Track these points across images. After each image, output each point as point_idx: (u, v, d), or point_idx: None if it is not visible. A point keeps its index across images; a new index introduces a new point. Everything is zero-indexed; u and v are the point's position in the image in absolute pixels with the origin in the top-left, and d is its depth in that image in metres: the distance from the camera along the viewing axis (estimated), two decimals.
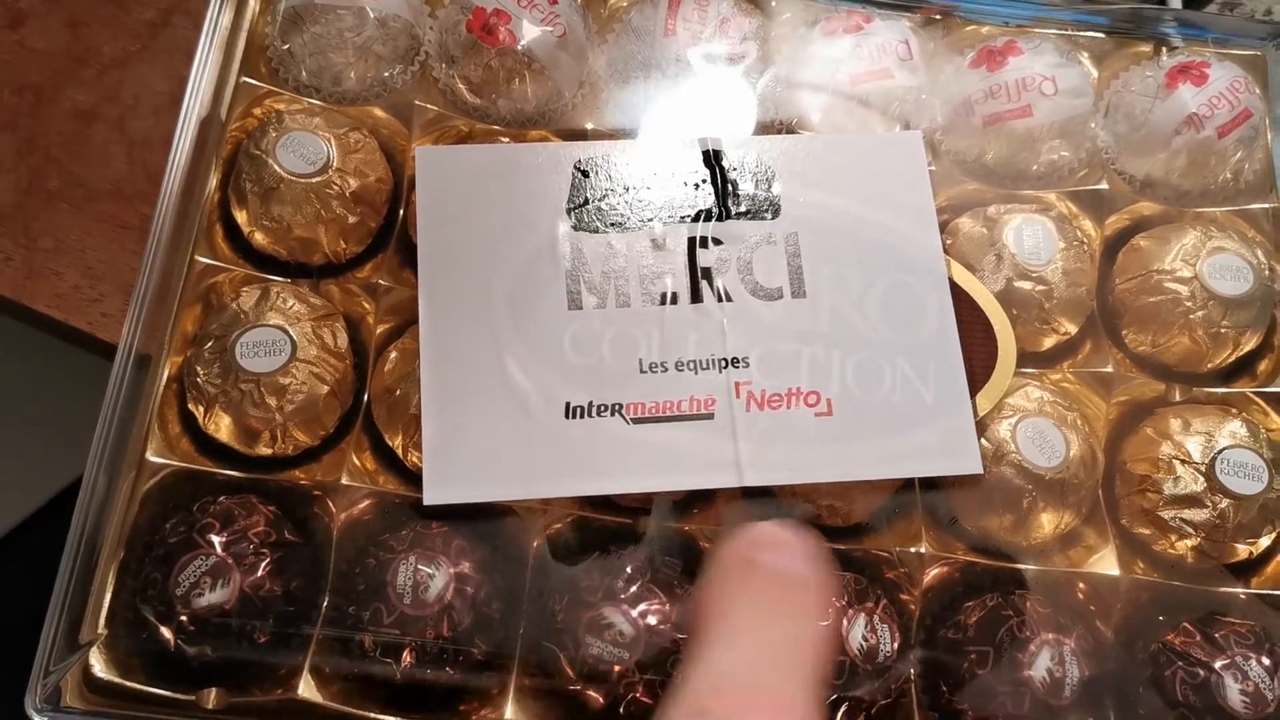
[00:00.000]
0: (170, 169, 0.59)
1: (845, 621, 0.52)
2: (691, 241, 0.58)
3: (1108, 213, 0.63)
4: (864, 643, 0.52)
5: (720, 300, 0.57)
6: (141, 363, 0.56)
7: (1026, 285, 0.59)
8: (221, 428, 0.55)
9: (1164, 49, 0.67)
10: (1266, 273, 0.60)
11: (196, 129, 0.61)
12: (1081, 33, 0.68)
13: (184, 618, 0.51)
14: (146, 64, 0.72)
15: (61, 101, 0.70)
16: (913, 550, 0.56)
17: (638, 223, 0.58)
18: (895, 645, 0.53)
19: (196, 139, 0.60)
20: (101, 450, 0.54)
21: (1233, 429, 0.57)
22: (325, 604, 0.53)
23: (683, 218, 0.58)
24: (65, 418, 0.77)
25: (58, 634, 0.51)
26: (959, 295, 0.58)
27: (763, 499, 0.56)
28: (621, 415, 0.54)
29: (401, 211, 0.61)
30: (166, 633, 0.51)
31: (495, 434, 0.54)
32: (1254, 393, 0.60)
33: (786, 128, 0.63)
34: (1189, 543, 0.56)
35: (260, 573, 0.52)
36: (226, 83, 0.63)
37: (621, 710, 0.52)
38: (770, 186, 0.59)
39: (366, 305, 0.59)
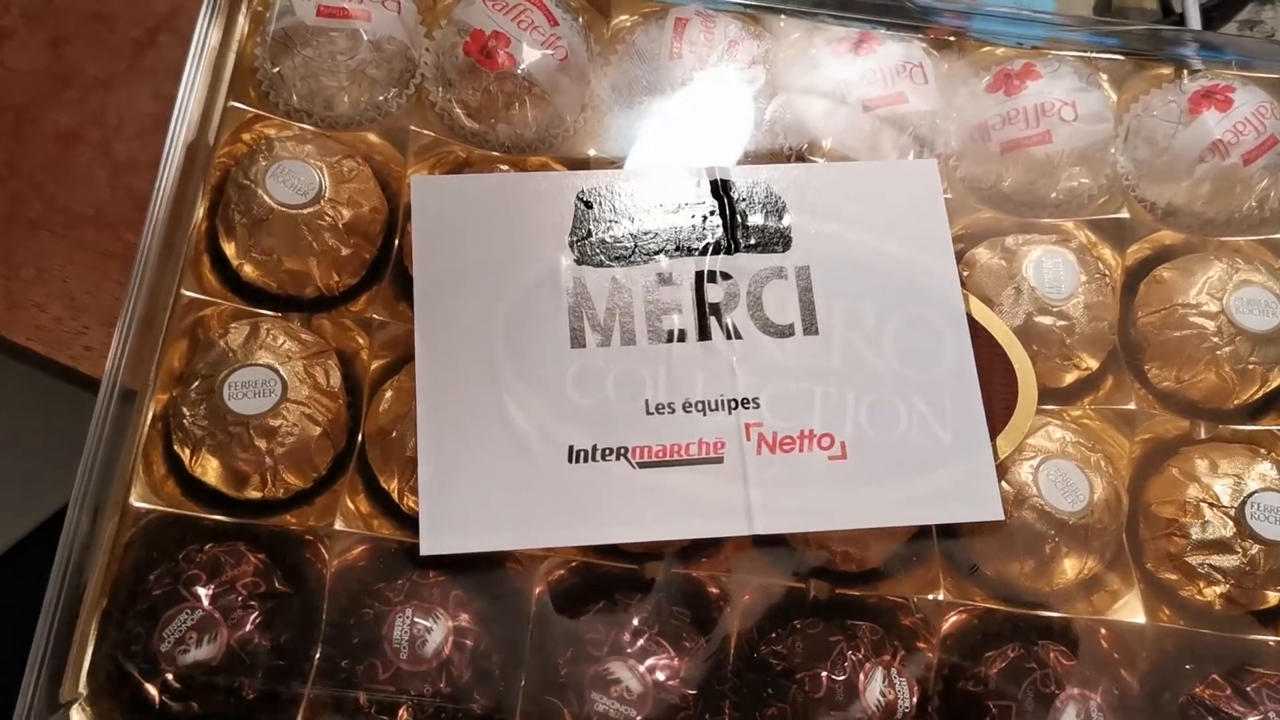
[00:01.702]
0: (156, 196, 0.57)
1: (862, 676, 0.50)
2: (699, 276, 0.55)
3: (1129, 242, 0.61)
4: (882, 698, 0.50)
5: (729, 337, 0.54)
6: (126, 398, 0.54)
7: (1047, 320, 0.56)
8: (209, 471, 0.53)
9: (1185, 72, 0.65)
10: None
11: (183, 154, 0.58)
12: (1099, 55, 0.65)
13: (169, 675, 0.49)
14: (132, 85, 0.69)
15: (43, 123, 0.68)
16: (930, 597, 0.54)
17: (643, 256, 0.56)
18: (914, 700, 0.51)
19: (183, 164, 0.58)
20: (83, 492, 0.52)
21: (1262, 471, 0.55)
22: (317, 657, 0.51)
23: (690, 250, 0.56)
24: (51, 448, 0.75)
25: (37, 690, 0.49)
26: (977, 331, 0.56)
27: (774, 546, 0.53)
28: (627, 459, 0.52)
29: (397, 241, 0.58)
30: (151, 690, 0.49)
31: (495, 479, 0.51)
32: None
33: (797, 155, 0.61)
34: (1217, 589, 0.53)
35: (249, 626, 0.49)
36: (214, 106, 0.60)
37: None
38: (780, 218, 0.57)
39: (361, 340, 0.57)
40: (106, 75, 0.69)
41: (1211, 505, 0.54)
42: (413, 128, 0.60)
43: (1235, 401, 0.58)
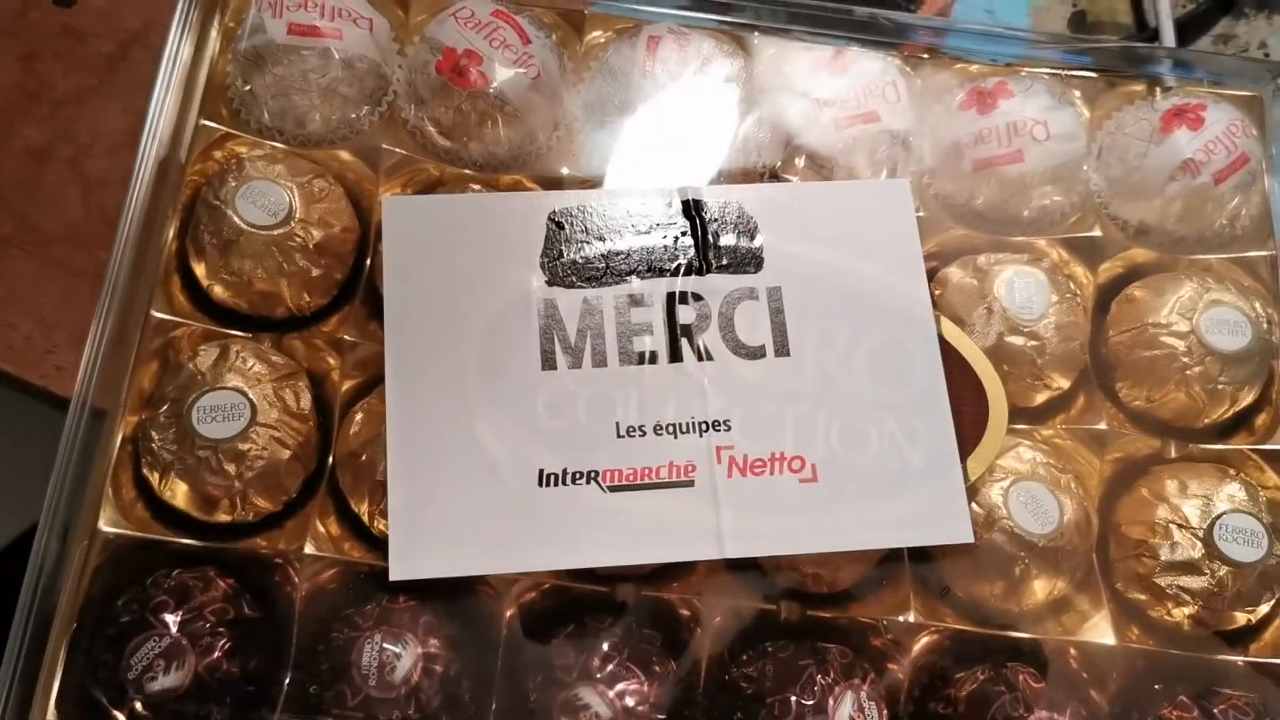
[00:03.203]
0: (126, 214, 0.57)
1: (832, 701, 0.50)
2: (670, 297, 0.55)
3: (1100, 259, 0.61)
4: None
5: (701, 359, 0.54)
6: (96, 419, 0.53)
7: (1018, 341, 0.56)
8: (178, 495, 0.53)
9: (1158, 89, 0.65)
10: (1265, 325, 0.58)
11: (154, 171, 0.58)
12: (1072, 72, 0.65)
13: (137, 703, 0.48)
14: (103, 100, 0.69)
15: (13, 139, 0.67)
16: (901, 619, 0.54)
17: (614, 277, 0.56)
18: None
19: (154, 182, 0.58)
20: (53, 514, 0.52)
21: (1231, 492, 0.55)
22: (287, 682, 0.50)
23: (661, 271, 0.56)
24: (20, 468, 0.74)
25: (5, 718, 0.49)
26: (948, 352, 0.56)
27: (746, 568, 0.54)
28: (597, 483, 0.52)
29: (369, 261, 0.58)
30: (120, 718, 0.49)
31: (465, 503, 0.51)
32: (1251, 450, 0.58)
33: (770, 173, 0.61)
34: (1186, 610, 0.54)
35: (217, 653, 0.49)
36: (186, 123, 0.60)
37: None
38: (752, 238, 0.57)
39: (332, 361, 0.57)
40: (78, 91, 0.69)
41: (1180, 526, 0.54)
42: (385, 146, 0.60)
43: (1205, 421, 0.58)
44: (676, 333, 0.55)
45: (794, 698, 0.50)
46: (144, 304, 0.56)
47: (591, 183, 0.60)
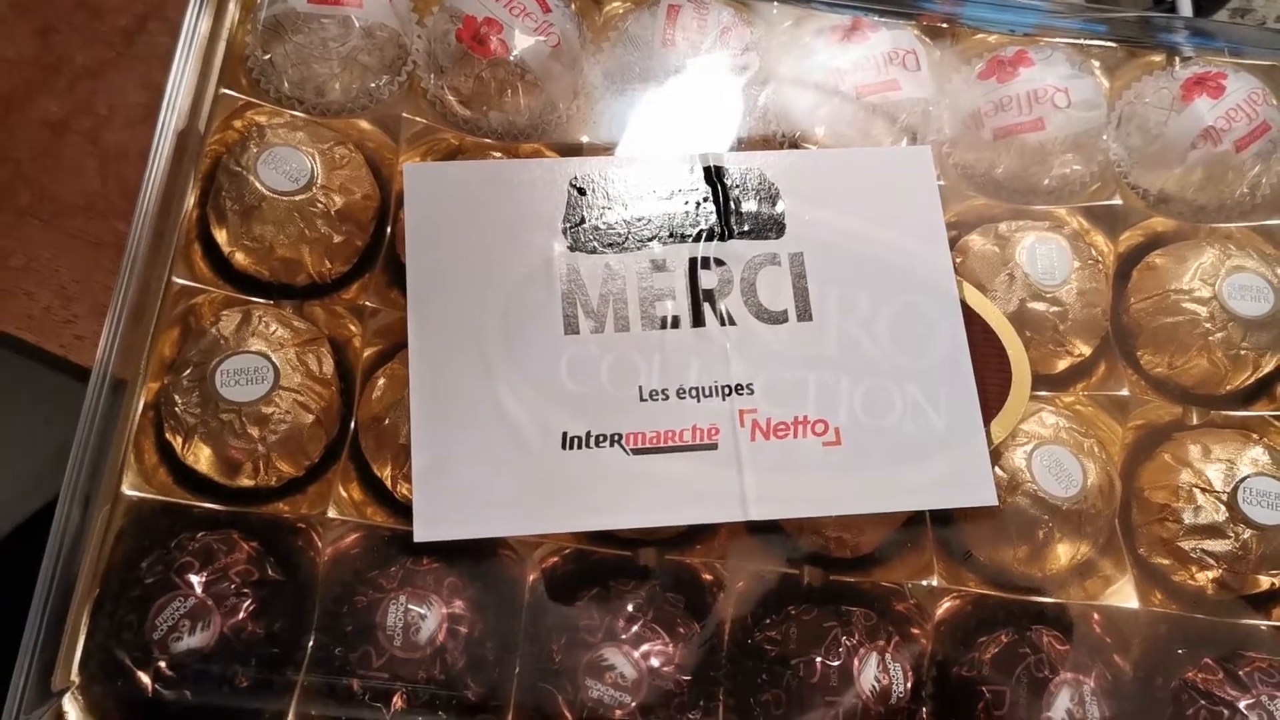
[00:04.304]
0: (146, 184, 0.57)
1: (857, 662, 0.50)
2: (692, 262, 0.55)
3: (1121, 228, 0.61)
4: (876, 683, 0.50)
5: (723, 324, 0.54)
6: (116, 388, 0.53)
7: (1040, 306, 0.56)
8: (201, 459, 0.53)
9: (1177, 59, 0.65)
10: None
11: (173, 142, 0.58)
12: (1089, 41, 0.65)
13: (162, 663, 0.48)
14: (121, 73, 0.69)
15: (31, 112, 0.67)
16: (924, 583, 0.54)
17: (636, 243, 0.56)
18: (908, 685, 0.51)
19: (173, 152, 0.58)
20: (74, 481, 0.52)
21: (1254, 456, 0.55)
22: (311, 645, 0.50)
23: (683, 237, 0.56)
24: (41, 438, 0.74)
25: (29, 680, 0.49)
26: (970, 318, 0.56)
27: (769, 532, 0.53)
28: (621, 446, 0.52)
29: (389, 229, 0.58)
30: (144, 678, 0.49)
31: (489, 466, 0.51)
32: (1274, 416, 0.58)
33: (790, 142, 0.61)
34: (1210, 574, 0.54)
35: (241, 614, 0.49)
36: (205, 93, 0.60)
37: None
38: (774, 204, 0.57)
39: (353, 328, 0.57)
40: (95, 64, 0.69)
41: (1204, 490, 0.54)
42: (405, 115, 0.60)
43: (1227, 387, 0.58)
44: (699, 297, 0.55)
45: (819, 659, 0.50)
46: (164, 273, 0.56)
47: (611, 150, 0.60)
